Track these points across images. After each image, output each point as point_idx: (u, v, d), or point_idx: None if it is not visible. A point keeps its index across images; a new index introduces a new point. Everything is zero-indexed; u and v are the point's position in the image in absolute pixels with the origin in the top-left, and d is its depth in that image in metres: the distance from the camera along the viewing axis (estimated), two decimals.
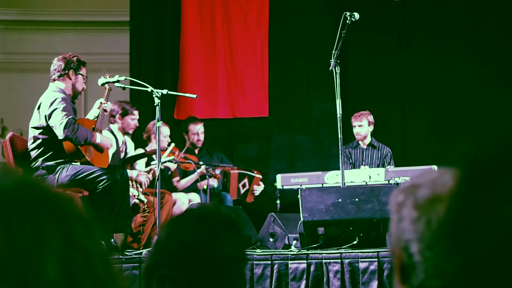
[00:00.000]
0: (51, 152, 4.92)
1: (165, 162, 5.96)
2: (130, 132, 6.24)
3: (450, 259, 0.77)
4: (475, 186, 0.77)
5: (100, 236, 0.76)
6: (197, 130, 6.86)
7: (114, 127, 6.11)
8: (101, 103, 5.21)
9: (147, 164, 6.24)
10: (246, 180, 6.84)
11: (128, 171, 5.63)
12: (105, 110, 5.23)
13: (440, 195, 1.03)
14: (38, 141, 4.95)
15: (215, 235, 1.46)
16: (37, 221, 0.68)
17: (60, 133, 4.81)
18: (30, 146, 4.98)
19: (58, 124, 4.81)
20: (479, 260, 0.73)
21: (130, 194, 5.42)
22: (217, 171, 6.65)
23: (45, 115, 4.89)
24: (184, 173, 6.63)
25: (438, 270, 0.98)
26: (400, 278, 1.05)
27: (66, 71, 5.06)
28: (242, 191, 6.82)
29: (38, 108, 4.97)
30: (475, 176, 0.78)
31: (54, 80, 5.08)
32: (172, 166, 6.28)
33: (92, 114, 5.23)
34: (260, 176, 6.92)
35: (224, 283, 1.44)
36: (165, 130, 6.41)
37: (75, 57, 5.12)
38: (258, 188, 6.87)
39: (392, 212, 1.08)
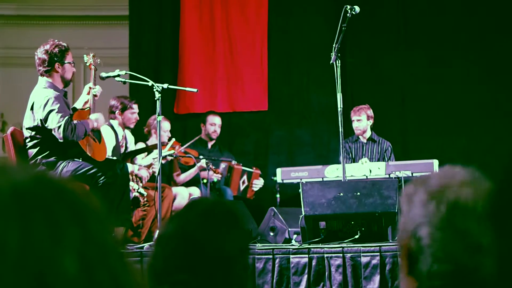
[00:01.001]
0: (48, 151, 4.86)
1: (165, 156, 5.96)
2: (131, 126, 6.23)
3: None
4: None
5: (112, 229, 0.75)
6: (214, 121, 6.89)
7: (114, 122, 6.09)
8: (90, 88, 5.07)
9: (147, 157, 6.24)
10: (245, 177, 6.86)
11: (129, 165, 5.62)
12: (95, 95, 5.06)
13: (451, 182, 1.05)
14: (35, 141, 4.87)
15: (222, 231, 1.45)
16: (54, 217, 0.67)
17: (59, 136, 4.73)
18: (28, 144, 4.91)
19: (57, 128, 4.71)
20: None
21: (130, 187, 5.41)
22: (222, 165, 6.65)
23: (40, 119, 4.78)
24: (185, 168, 6.63)
25: (446, 253, 0.99)
26: (407, 269, 1.05)
27: (51, 66, 4.91)
28: (242, 187, 6.83)
29: (31, 109, 4.84)
30: None
31: (42, 74, 4.95)
32: (169, 159, 6.27)
33: (82, 100, 5.10)
34: (259, 172, 6.93)
35: (233, 276, 1.43)
36: (166, 125, 6.40)
37: (57, 47, 4.92)
38: (258, 183, 6.88)
39: (403, 204, 1.09)
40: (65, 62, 4.93)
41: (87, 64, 5.22)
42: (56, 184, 0.71)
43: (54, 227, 0.67)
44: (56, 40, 5.00)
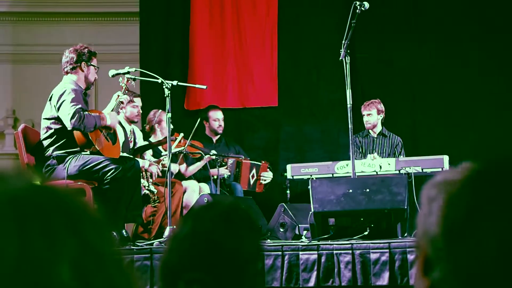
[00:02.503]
0: (62, 141, 4.99)
1: (175, 152, 5.97)
2: (136, 120, 6.22)
3: (451, 259, 0.77)
4: (481, 188, 0.78)
5: (113, 239, 0.75)
6: (217, 116, 6.88)
7: (121, 117, 6.11)
8: (118, 95, 5.28)
9: (155, 155, 6.24)
10: (254, 171, 6.85)
11: (140, 160, 5.64)
12: (122, 102, 5.32)
13: None
14: (51, 131, 5.04)
15: (239, 233, 1.46)
16: (51, 226, 0.67)
17: (68, 124, 4.87)
18: (43, 136, 5.06)
19: (66, 115, 4.88)
20: (473, 264, 0.74)
21: (141, 184, 5.44)
22: (230, 161, 6.65)
23: (55, 106, 4.95)
24: (191, 159, 6.62)
25: (457, 266, 1.00)
26: (422, 270, 1.07)
27: (78, 64, 5.12)
28: (252, 181, 6.82)
29: (50, 100, 5.04)
30: (481, 182, 0.79)
31: (67, 72, 5.15)
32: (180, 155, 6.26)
33: (109, 107, 5.30)
34: (267, 164, 6.92)
35: (248, 281, 1.44)
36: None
37: (86, 49, 5.17)
38: (266, 175, 6.86)
39: (423, 205, 1.11)
40: (91, 64, 5.14)
41: (122, 85, 5.36)
42: (53, 192, 0.72)
43: (50, 236, 0.67)
44: (86, 44, 5.26)
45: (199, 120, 6.39)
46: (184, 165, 6.58)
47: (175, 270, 1.42)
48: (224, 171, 6.49)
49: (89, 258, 0.69)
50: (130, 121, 6.18)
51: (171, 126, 6.36)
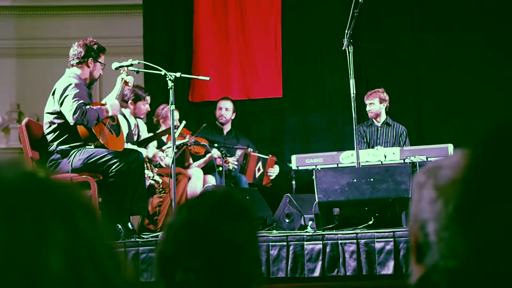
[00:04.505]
0: (65, 136, 4.98)
1: (179, 145, 5.97)
2: (142, 117, 6.25)
3: (463, 240, 0.77)
4: (487, 169, 0.78)
5: (105, 226, 0.76)
6: (221, 105, 6.88)
7: (126, 111, 6.12)
8: (122, 78, 5.22)
9: (159, 146, 6.26)
10: (260, 164, 6.85)
11: (143, 150, 5.66)
12: (127, 82, 5.21)
13: (459, 177, 1.03)
14: (54, 126, 5.01)
15: (235, 222, 1.47)
16: (41, 214, 0.68)
17: (70, 119, 4.86)
18: (46, 130, 5.04)
19: (68, 111, 4.85)
20: (488, 242, 0.74)
21: (145, 175, 5.44)
22: (238, 153, 6.65)
23: (58, 101, 4.93)
24: (196, 158, 6.63)
25: (452, 251, 0.99)
26: (415, 257, 1.06)
27: (85, 59, 5.08)
28: (258, 174, 6.82)
29: (53, 94, 5.02)
30: (487, 158, 0.78)
31: (72, 65, 5.11)
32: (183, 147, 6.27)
33: (115, 91, 5.25)
34: (275, 159, 6.92)
35: (244, 268, 1.45)
36: (174, 115, 6.41)
37: (96, 45, 5.12)
38: (273, 170, 6.87)
39: (414, 192, 1.10)
40: (99, 60, 5.10)
41: (122, 73, 5.28)
42: (43, 181, 0.72)
43: (40, 224, 0.67)
44: (95, 40, 5.19)
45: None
46: (190, 161, 6.59)
47: (171, 259, 1.43)
48: (230, 163, 6.49)
49: (80, 245, 0.69)
50: (136, 117, 6.19)
51: (177, 117, 6.39)
